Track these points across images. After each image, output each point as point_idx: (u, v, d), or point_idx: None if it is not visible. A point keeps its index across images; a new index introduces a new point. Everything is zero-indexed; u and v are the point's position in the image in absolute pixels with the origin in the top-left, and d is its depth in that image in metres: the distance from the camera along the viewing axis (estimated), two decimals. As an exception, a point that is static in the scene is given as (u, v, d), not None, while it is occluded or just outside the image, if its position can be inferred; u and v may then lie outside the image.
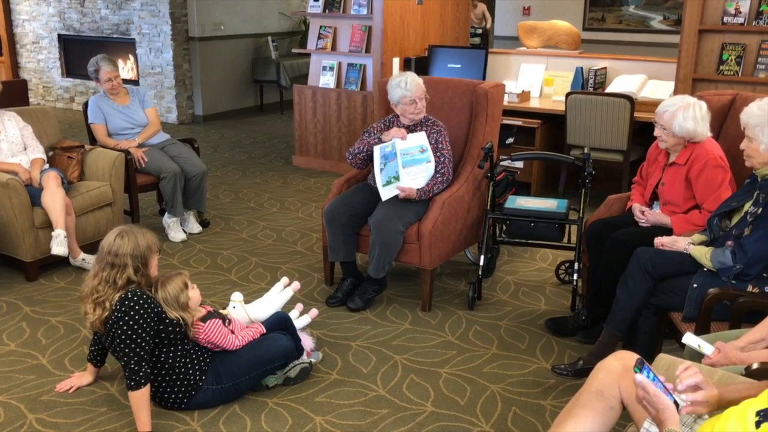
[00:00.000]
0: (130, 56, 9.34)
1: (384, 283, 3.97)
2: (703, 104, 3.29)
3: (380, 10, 6.15)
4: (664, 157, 3.48)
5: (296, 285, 3.40)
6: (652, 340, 2.97)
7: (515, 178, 4.70)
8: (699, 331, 2.67)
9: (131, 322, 2.69)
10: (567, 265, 4.27)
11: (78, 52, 9.73)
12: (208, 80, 9.18)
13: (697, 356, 2.35)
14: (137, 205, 4.88)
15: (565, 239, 4.08)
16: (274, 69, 9.52)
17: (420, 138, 3.83)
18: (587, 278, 3.72)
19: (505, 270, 4.47)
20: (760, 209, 2.73)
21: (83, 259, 4.33)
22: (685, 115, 3.21)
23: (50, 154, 4.59)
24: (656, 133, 3.36)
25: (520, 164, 5.90)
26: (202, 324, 2.89)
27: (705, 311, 2.64)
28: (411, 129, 3.93)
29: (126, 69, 9.41)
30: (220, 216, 5.45)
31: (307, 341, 3.30)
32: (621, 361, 1.98)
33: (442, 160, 3.86)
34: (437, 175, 3.85)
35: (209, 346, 2.95)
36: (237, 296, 3.25)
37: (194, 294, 2.96)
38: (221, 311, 3.14)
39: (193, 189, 4.92)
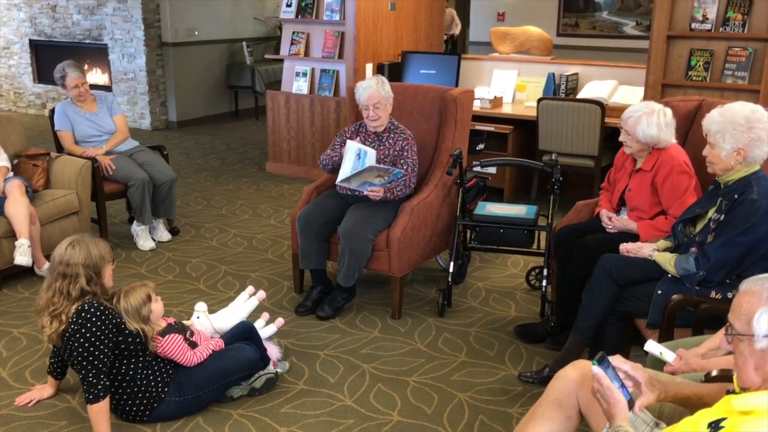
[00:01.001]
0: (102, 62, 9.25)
1: (353, 291, 3.94)
2: (668, 111, 3.30)
3: (352, 16, 6.13)
4: (630, 163, 3.49)
5: (261, 294, 3.36)
6: (618, 346, 2.96)
7: (486, 184, 4.70)
8: (663, 338, 2.68)
9: (88, 335, 2.63)
10: (537, 271, 4.26)
11: (50, 58, 9.57)
12: (182, 86, 9.11)
13: (659, 364, 2.34)
14: (105, 213, 4.81)
15: (535, 245, 4.08)
16: (249, 74, 9.47)
17: (352, 148, 3.79)
18: (556, 284, 3.72)
19: (477, 276, 4.46)
20: (723, 216, 2.74)
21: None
22: (649, 122, 3.22)
23: (15, 162, 4.51)
24: (621, 138, 3.37)
25: (492, 170, 5.92)
26: (161, 339, 2.84)
27: (668, 317, 2.64)
28: (378, 135, 3.91)
29: (96, 74, 9.32)
30: (191, 224, 5.39)
31: (273, 351, 3.26)
32: (579, 370, 1.96)
33: (405, 167, 3.83)
34: (399, 180, 3.82)
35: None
36: (201, 306, 3.20)
37: (157, 307, 2.90)
38: (184, 322, 3.09)
39: (162, 196, 4.87)
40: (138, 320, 2.80)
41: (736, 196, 2.72)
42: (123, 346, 2.75)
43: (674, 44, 5.06)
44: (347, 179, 3.74)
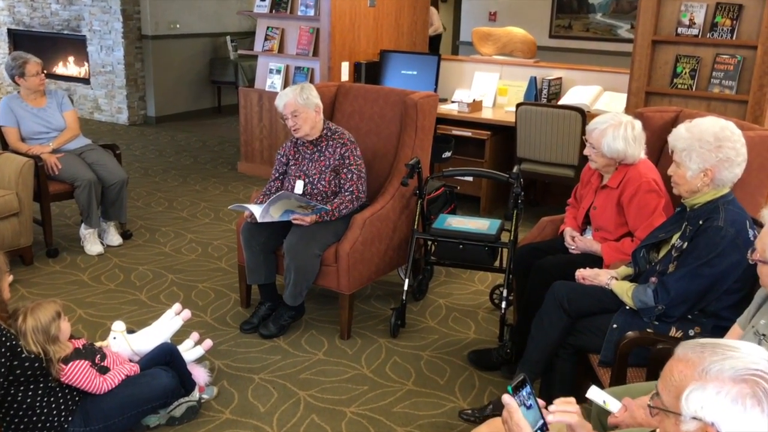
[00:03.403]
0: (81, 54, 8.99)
1: (301, 310, 3.67)
2: (637, 123, 3.02)
3: (327, 12, 5.84)
4: (597, 179, 3.20)
5: (186, 314, 3.07)
6: (570, 383, 2.68)
7: (453, 192, 4.43)
8: (615, 379, 2.40)
9: (-25, 360, 2.37)
10: (502, 289, 3.98)
11: (28, 48, 9.13)
12: (162, 80, 8.83)
13: (605, 414, 2.07)
14: (50, 215, 4.52)
15: (499, 262, 3.81)
16: (233, 70, 9.19)
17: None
18: (517, 306, 3.45)
19: (439, 292, 4.18)
20: (686, 243, 2.46)
21: (-19, 274, 3.99)
22: (615, 135, 2.93)
23: (-46, 159, 4.25)
24: (586, 152, 3.09)
25: (469, 178, 5.64)
26: (64, 366, 2.56)
27: (621, 357, 2.37)
28: (314, 143, 3.62)
29: (74, 67, 9.06)
30: (147, 227, 5.12)
31: (200, 375, 2.99)
32: (493, 430, 1.69)
33: (349, 176, 3.55)
34: (345, 194, 3.54)
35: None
36: (118, 326, 2.92)
37: (65, 327, 2.63)
38: (96, 344, 2.82)
39: (111, 198, 4.60)
40: (46, 340, 2.53)
41: (700, 222, 2.44)
42: (18, 372, 2.47)
43: (659, 50, 4.75)
44: (266, 213, 3.42)
